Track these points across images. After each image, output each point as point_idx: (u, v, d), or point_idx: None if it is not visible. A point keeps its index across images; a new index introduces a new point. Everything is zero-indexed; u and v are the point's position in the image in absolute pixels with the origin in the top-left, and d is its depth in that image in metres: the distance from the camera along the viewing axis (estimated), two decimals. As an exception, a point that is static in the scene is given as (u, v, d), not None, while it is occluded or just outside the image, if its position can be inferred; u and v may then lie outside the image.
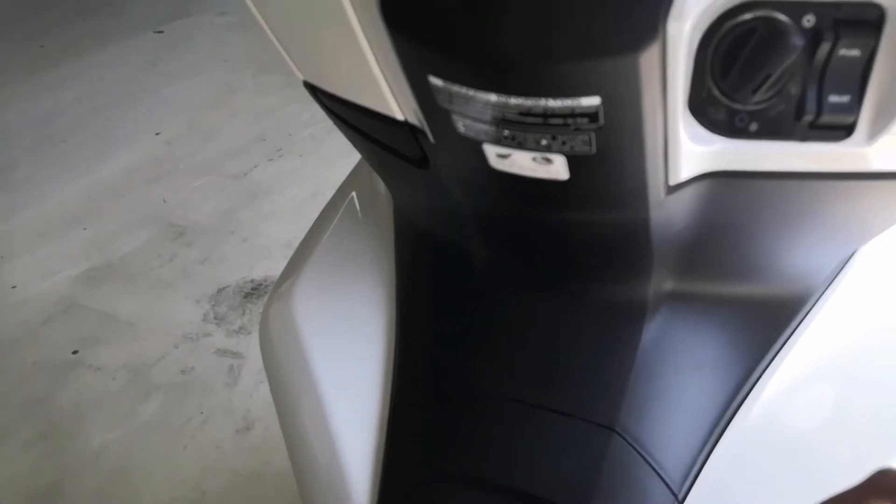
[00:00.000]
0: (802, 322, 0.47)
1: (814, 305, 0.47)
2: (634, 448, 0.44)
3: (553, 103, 0.28)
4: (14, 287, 1.81)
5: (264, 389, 1.50)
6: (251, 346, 1.61)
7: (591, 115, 0.29)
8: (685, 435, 0.45)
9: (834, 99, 0.31)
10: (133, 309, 1.73)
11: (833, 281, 0.48)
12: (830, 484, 0.45)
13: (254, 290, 1.79)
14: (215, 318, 1.70)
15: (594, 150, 0.30)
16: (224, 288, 1.80)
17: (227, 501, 1.23)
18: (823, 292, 0.48)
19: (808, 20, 0.28)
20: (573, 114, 0.29)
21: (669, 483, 0.44)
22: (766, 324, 0.47)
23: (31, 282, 1.83)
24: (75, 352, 1.59)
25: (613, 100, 0.29)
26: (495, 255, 0.49)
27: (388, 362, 0.54)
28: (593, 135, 0.30)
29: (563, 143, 0.30)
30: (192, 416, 1.42)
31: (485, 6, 0.27)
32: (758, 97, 0.31)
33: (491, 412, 0.47)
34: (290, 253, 0.65)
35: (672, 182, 0.34)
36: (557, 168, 0.32)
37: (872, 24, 0.28)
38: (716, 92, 0.31)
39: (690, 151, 0.32)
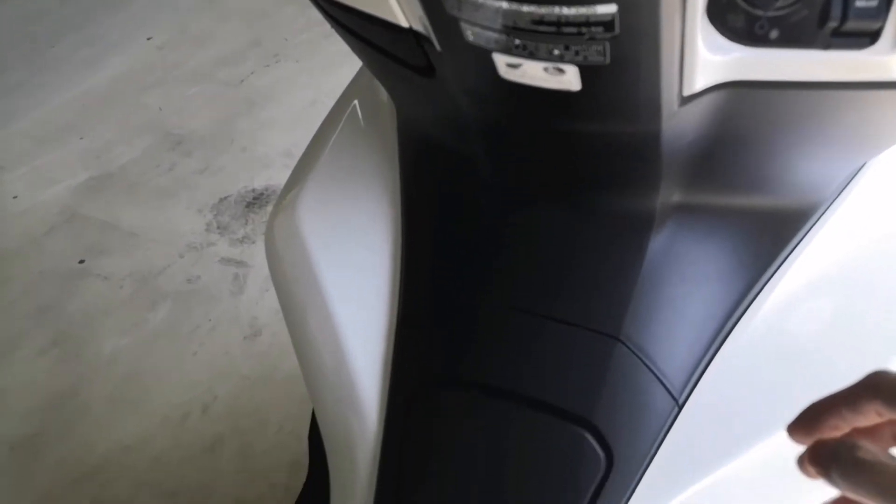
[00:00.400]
0: (809, 233, 0.47)
1: (821, 217, 0.47)
2: (637, 356, 0.46)
3: (567, 11, 0.27)
4: (15, 197, 1.81)
5: (270, 297, 1.52)
6: (255, 255, 1.62)
7: (607, 23, 0.28)
8: (688, 344, 0.47)
9: (861, 3, 0.29)
10: (135, 219, 1.73)
11: (841, 193, 0.48)
12: (828, 390, 0.47)
13: (255, 200, 1.78)
14: (218, 227, 1.71)
15: (608, 60, 0.29)
16: (225, 198, 1.79)
17: (238, 404, 1.28)
18: (831, 204, 0.48)
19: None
20: (588, 22, 0.27)
21: (671, 389, 0.46)
22: (772, 235, 0.47)
23: (32, 192, 1.82)
24: (81, 261, 1.61)
25: (630, 7, 0.27)
26: (501, 166, 0.49)
27: (394, 272, 0.55)
28: (608, 44, 0.29)
29: (577, 52, 0.29)
30: (200, 323, 1.46)
31: None
32: (780, 2, 0.29)
33: (497, 322, 0.48)
34: (291, 162, 0.65)
35: (686, 93, 0.33)
36: (569, 79, 0.31)
37: None
38: None
39: (707, 61, 0.31)
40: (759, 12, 0.30)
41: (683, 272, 0.47)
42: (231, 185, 1.83)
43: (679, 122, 0.36)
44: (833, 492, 0.31)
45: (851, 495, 0.28)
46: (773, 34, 0.31)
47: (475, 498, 0.44)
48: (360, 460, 0.48)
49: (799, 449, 0.33)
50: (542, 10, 0.27)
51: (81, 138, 1.99)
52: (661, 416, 0.45)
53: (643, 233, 0.46)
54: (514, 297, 0.49)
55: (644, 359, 0.46)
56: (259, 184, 1.83)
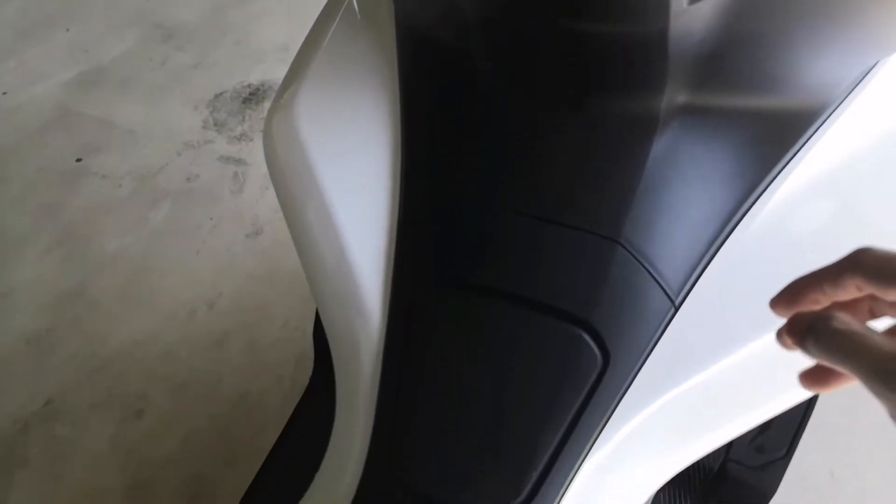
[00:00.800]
0: (815, 135, 0.47)
1: (828, 118, 0.46)
2: (637, 259, 0.46)
3: None
4: (5, 93, 1.76)
5: (270, 196, 1.52)
6: (253, 153, 1.60)
7: None
8: (686, 246, 0.47)
9: None
10: (131, 115, 1.70)
11: (851, 93, 0.46)
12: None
13: (252, 96, 1.74)
14: (215, 124, 1.68)
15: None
16: (221, 93, 1.75)
17: (243, 301, 1.31)
18: (839, 105, 0.46)
19: None
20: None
21: (668, 291, 0.46)
22: (777, 137, 0.47)
23: (22, 87, 1.78)
24: (79, 159, 1.59)
25: None
26: (503, 65, 0.48)
27: (394, 171, 0.54)
28: None
29: None
30: (201, 222, 1.46)
31: None
32: None
33: (497, 224, 0.48)
34: (287, 56, 0.63)
35: None
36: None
37: None
38: None
39: None
40: None
41: (686, 175, 0.47)
42: (226, 80, 1.78)
43: (688, 21, 0.35)
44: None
45: (826, 363, 0.29)
46: None
47: (476, 395, 0.45)
48: (364, 360, 0.49)
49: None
50: None
51: (68, 30, 1.92)
52: (658, 317, 0.46)
53: (647, 135, 0.46)
54: (515, 199, 0.49)
55: (643, 261, 0.46)
56: (255, 79, 1.78)
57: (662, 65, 0.40)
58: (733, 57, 0.41)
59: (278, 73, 1.78)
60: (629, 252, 0.46)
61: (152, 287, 1.34)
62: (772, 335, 0.47)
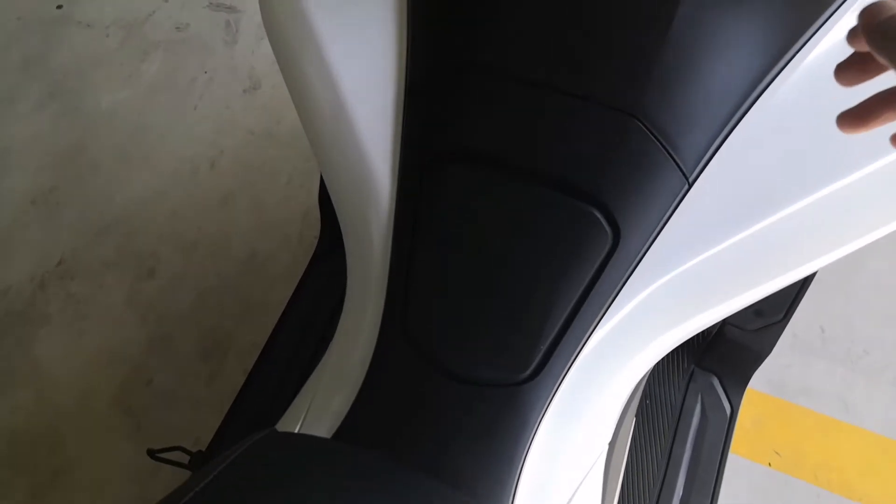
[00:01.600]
0: (836, 13, 0.43)
1: None
2: (652, 134, 0.44)
3: None
4: (-29, -71, 1.62)
5: (266, 47, 1.45)
6: (246, 0, 1.51)
7: None
8: (704, 120, 0.45)
9: None
10: (109, -44, 1.58)
11: None
12: (839, 165, 0.46)
13: (239, -67, 1.61)
14: (202, -34, 1.56)
15: None
16: (205, -71, 1.61)
17: (245, 158, 1.29)
18: None
19: None
20: None
21: (683, 167, 0.45)
22: (800, 9, 0.43)
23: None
24: (59, 6, 1.50)
25: None
26: None
27: (400, 32, 0.51)
28: None
29: None
30: (196, 75, 1.40)
31: None
32: None
33: (509, 94, 0.46)
34: None
35: None
36: None
37: None
38: None
39: None
40: None
41: (708, 47, 0.44)
42: (210, -87, 1.64)
43: None
44: None
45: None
46: None
47: (486, 269, 0.45)
48: (374, 231, 0.49)
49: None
50: None
51: None
52: (671, 194, 0.46)
53: (671, 2, 0.42)
54: (528, 67, 0.46)
55: (659, 137, 0.44)
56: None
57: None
58: None
59: None
60: (644, 126, 0.44)
61: (152, 144, 1.32)
62: (783, 213, 0.46)
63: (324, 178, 0.56)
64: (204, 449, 0.71)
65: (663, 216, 0.46)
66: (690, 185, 0.46)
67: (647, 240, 0.46)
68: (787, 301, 0.72)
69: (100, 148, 1.32)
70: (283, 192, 1.25)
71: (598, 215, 0.44)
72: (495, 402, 0.44)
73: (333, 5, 0.52)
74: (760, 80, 0.45)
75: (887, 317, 1.13)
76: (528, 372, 0.45)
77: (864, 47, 0.31)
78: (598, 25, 0.44)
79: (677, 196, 0.46)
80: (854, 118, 0.33)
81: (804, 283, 0.71)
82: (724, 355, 0.76)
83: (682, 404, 0.75)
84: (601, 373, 0.47)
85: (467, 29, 0.48)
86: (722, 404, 0.76)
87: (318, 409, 0.46)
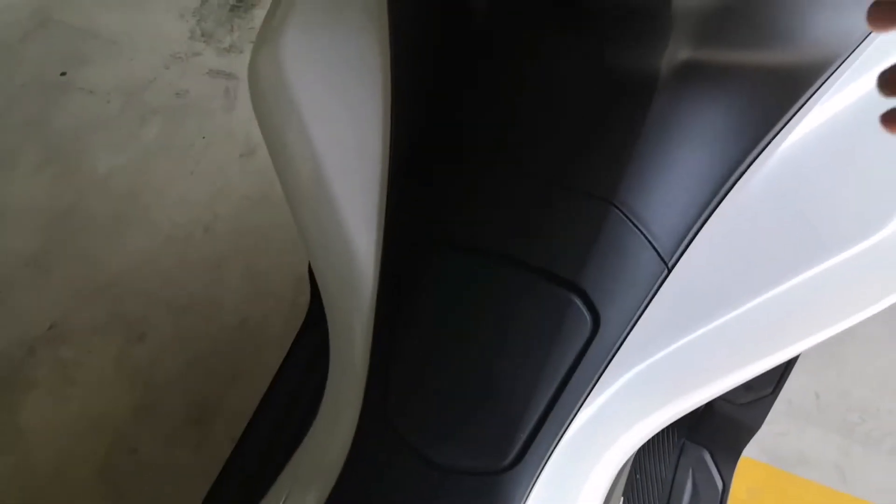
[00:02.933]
0: (815, 94, 0.44)
1: (830, 77, 0.44)
2: (631, 221, 0.45)
3: None
4: (-20, -1, 1.68)
5: (262, 113, 1.48)
6: (244, 67, 1.54)
7: None
8: (681, 208, 0.46)
9: None
10: (114, 24, 1.63)
11: (855, 50, 0.44)
12: (815, 252, 0.47)
13: (239, 3, 1.66)
14: (202, 35, 1.61)
15: None
16: (207, 0, 1.67)
17: (239, 223, 1.30)
18: (843, 62, 0.44)
19: None
20: None
21: (661, 253, 0.46)
22: (778, 95, 0.45)
23: (-3, -8, 1.69)
24: (63, 73, 1.54)
25: None
26: (499, 14, 0.45)
27: (384, 117, 0.52)
28: None
29: None
30: (193, 140, 1.43)
31: None
32: None
33: (489, 182, 0.47)
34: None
35: None
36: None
37: None
38: None
39: None
40: None
41: (684, 135, 0.45)
42: (212, -16, 1.70)
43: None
44: None
45: None
46: None
47: (467, 356, 0.45)
48: (355, 317, 0.49)
49: None
50: None
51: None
52: (650, 279, 0.46)
53: (646, 93, 0.44)
54: (508, 156, 0.47)
55: (637, 223, 0.45)
56: (242, -17, 1.70)
57: (665, 21, 0.38)
58: (738, 11, 0.39)
59: (265, -24, 1.69)
60: (623, 214, 0.45)
61: (147, 208, 1.33)
62: (763, 297, 0.47)
63: (309, 258, 0.56)
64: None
65: (643, 302, 0.46)
66: (670, 271, 0.46)
67: (627, 325, 0.46)
68: (776, 375, 0.72)
69: (95, 211, 1.33)
70: (277, 257, 1.26)
71: (578, 302, 0.45)
72: (476, 490, 0.44)
73: (318, 80, 0.54)
74: (737, 167, 0.46)
75: (882, 383, 1.12)
76: (509, 460, 0.44)
77: None
78: (579, 119, 0.46)
79: (656, 281, 0.46)
80: None
81: (792, 359, 0.71)
82: (715, 429, 0.75)
83: (673, 480, 0.74)
84: (584, 459, 0.47)
85: (447, 119, 0.49)
86: (714, 479, 0.75)
87: (296, 500, 0.45)
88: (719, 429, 0.75)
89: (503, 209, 0.46)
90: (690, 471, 0.74)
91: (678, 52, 0.41)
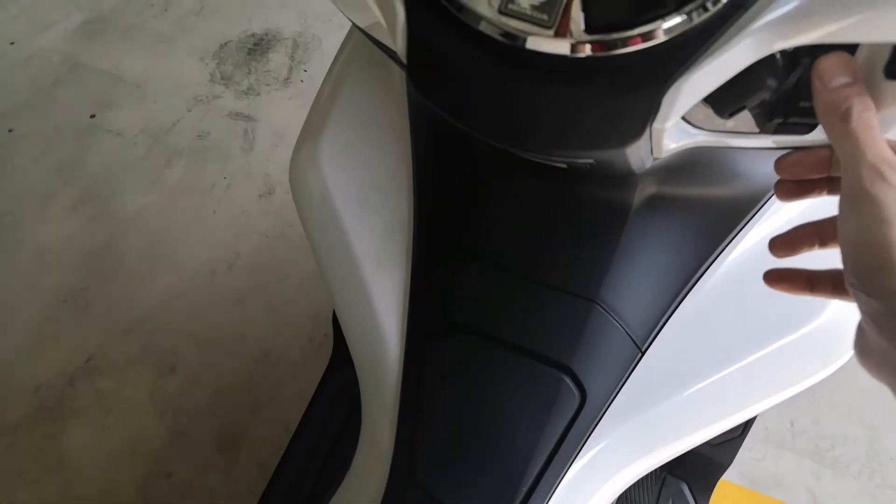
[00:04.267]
0: (754, 217, 0.56)
1: (763, 205, 0.55)
2: (610, 315, 0.56)
3: (555, 160, 0.33)
4: (13, 43, 1.78)
5: (279, 154, 1.59)
6: (260, 109, 1.65)
7: (588, 163, 0.34)
8: (652, 303, 0.56)
9: (804, 104, 0.35)
10: (138, 68, 1.73)
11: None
12: (761, 338, 0.58)
13: (256, 46, 1.77)
14: (222, 77, 1.71)
15: (592, 167, 0.36)
16: (226, 44, 1.77)
17: (260, 261, 1.41)
18: (771, 195, 0.55)
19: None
20: (571, 163, 0.34)
21: (636, 340, 0.56)
22: (726, 216, 0.56)
23: (28, 37, 1.79)
24: (92, 115, 1.64)
25: (604, 161, 0.34)
26: (495, 156, 0.56)
27: (408, 220, 0.63)
28: (592, 163, 0.35)
29: (565, 163, 0.35)
30: (216, 181, 1.53)
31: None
32: (735, 108, 0.35)
33: (492, 281, 0.58)
34: (285, 0, 0.69)
35: (655, 156, 0.40)
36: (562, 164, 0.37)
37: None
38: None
39: (673, 143, 0.38)
40: (721, 114, 0.36)
41: (653, 245, 0.56)
42: (229, 28, 1.80)
43: (651, 166, 0.43)
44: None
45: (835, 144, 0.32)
46: (730, 125, 0.37)
47: (476, 423, 0.56)
48: (385, 392, 0.60)
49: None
50: (537, 157, 0.33)
51: (68, -25, 1.91)
52: (627, 361, 0.57)
53: (622, 213, 0.54)
54: (509, 261, 0.58)
55: (615, 317, 0.56)
56: (257, 27, 1.80)
57: (632, 180, 0.49)
58: (688, 172, 0.50)
59: (278, 19, 1.80)
60: (603, 310, 0.55)
61: (174, 247, 1.44)
62: (716, 375, 0.58)
63: (345, 335, 0.67)
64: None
65: (621, 378, 0.56)
66: (643, 353, 0.57)
67: (609, 397, 0.56)
68: (742, 423, 0.82)
69: (126, 250, 1.44)
70: (295, 293, 1.36)
71: (568, 380, 0.55)
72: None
73: (355, 194, 0.64)
74: (695, 272, 0.57)
75: (849, 412, 1.23)
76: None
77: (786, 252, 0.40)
78: (569, 234, 0.56)
79: (632, 362, 0.57)
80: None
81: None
82: (691, 465, 0.85)
83: (655, 508, 0.84)
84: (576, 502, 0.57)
85: (458, 226, 0.60)
86: (691, 508, 0.85)
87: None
88: (696, 465, 0.85)
89: (506, 304, 0.57)
90: (671, 501, 0.85)
91: (646, 189, 0.52)
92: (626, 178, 0.49)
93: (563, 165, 0.39)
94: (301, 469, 0.85)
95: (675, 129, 0.36)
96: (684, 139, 0.37)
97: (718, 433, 0.60)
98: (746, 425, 0.82)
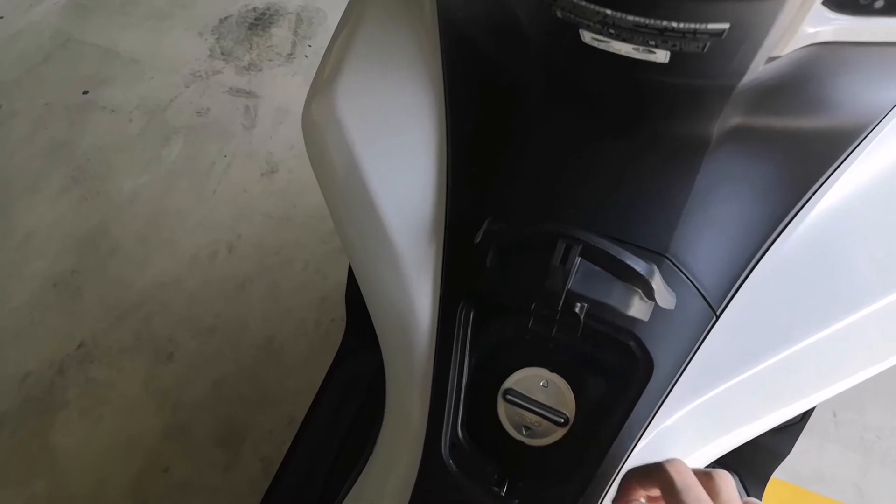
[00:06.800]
0: (853, 154, 0.47)
1: (866, 138, 0.47)
2: (682, 271, 0.47)
3: (676, 24, 0.25)
4: (1, 17, 1.70)
5: (283, 131, 1.50)
6: (263, 85, 1.57)
7: (716, 33, 0.26)
8: (729, 259, 0.48)
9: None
10: (134, 43, 1.65)
11: (889, 113, 0.46)
12: (859, 298, 0.49)
13: (257, 21, 1.68)
14: (222, 53, 1.63)
15: (705, 50, 0.27)
16: (226, 18, 1.69)
17: (262, 243, 1.32)
18: (878, 124, 0.46)
19: None
20: (695, 32, 0.25)
21: (710, 301, 0.48)
22: (819, 156, 0.47)
23: (18, 12, 1.71)
24: (85, 92, 1.56)
25: (742, 24, 0.25)
26: (557, 90, 0.47)
27: (440, 170, 0.54)
28: (710, 41, 0.26)
29: (674, 45, 0.27)
30: (215, 159, 1.45)
31: None
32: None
33: (545, 239, 0.49)
34: None
35: (774, 55, 0.32)
36: (658, 56, 0.29)
37: None
38: None
39: (805, 33, 0.29)
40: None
41: (731, 192, 0.47)
42: (230, 2, 1.72)
43: (757, 76, 0.35)
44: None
45: None
46: (879, 4, 0.29)
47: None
48: (416, 359, 0.51)
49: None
50: (649, 21, 0.25)
51: (61, -52, 1.83)
52: (700, 326, 0.48)
53: (696, 156, 0.46)
54: (566, 214, 0.49)
55: (687, 274, 0.47)
56: (259, 1, 1.72)
57: (722, 101, 0.40)
58: (789, 91, 0.41)
59: (283, -6, 1.72)
60: (675, 266, 0.47)
61: (171, 229, 1.35)
62: (804, 342, 0.49)
63: (368, 305, 0.58)
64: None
65: (693, 346, 0.48)
66: (718, 318, 0.48)
67: (679, 368, 0.48)
68: (804, 404, 0.74)
69: (120, 232, 1.35)
70: (300, 277, 1.28)
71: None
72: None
73: (374, 126, 0.55)
74: (778, 224, 0.48)
75: (894, 403, 1.15)
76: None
77: None
78: (631, 179, 0.48)
79: (706, 328, 0.48)
80: None
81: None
82: (745, 455, 0.77)
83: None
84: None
85: (504, 179, 0.51)
86: (743, 503, 0.77)
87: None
88: (749, 455, 0.77)
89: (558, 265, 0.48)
90: (719, 495, 0.76)
91: (729, 119, 0.43)
92: (711, 104, 0.40)
93: (663, 59, 0.30)
94: (311, 460, 0.77)
95: (813, 13, 0.28)
96: (822, 24, 0.29)
97: (798, 412, 0.51)
98: (808, 410, 0.74)
